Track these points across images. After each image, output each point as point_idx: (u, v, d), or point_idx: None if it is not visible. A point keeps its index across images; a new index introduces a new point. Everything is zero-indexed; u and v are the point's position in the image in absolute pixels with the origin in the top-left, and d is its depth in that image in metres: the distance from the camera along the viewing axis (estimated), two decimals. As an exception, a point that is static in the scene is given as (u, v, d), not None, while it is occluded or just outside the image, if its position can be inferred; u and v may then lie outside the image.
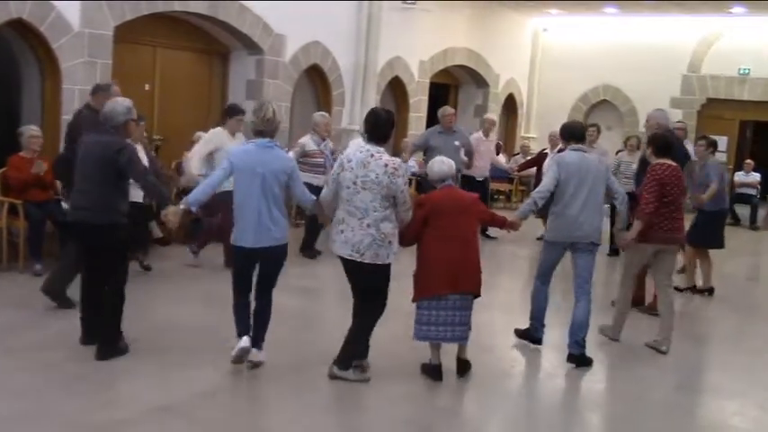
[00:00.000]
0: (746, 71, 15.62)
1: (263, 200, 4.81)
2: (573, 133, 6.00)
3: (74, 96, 8.29)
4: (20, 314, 5.87)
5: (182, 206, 4.99)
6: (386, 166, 4.77)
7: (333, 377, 4.95)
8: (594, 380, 5.63)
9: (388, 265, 4.90)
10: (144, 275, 7.35)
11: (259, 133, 4.91)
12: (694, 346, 6.62)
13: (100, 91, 6.10)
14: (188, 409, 4.40)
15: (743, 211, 15.03)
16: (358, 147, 5.01)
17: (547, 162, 10.63)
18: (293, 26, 10.87)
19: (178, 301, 6.66)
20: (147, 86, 9.87)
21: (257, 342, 5.03)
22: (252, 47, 10.61)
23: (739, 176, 15.46)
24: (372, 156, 4.80)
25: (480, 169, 10.81)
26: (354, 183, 4.79)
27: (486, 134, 11.32)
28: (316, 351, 5.42)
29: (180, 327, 5.85)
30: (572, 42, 17.35)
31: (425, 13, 13.15)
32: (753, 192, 15.23)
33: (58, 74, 8.22)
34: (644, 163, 6.91)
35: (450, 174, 5.25)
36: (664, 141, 6.42)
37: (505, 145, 16.54)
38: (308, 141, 8.87)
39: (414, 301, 5.10)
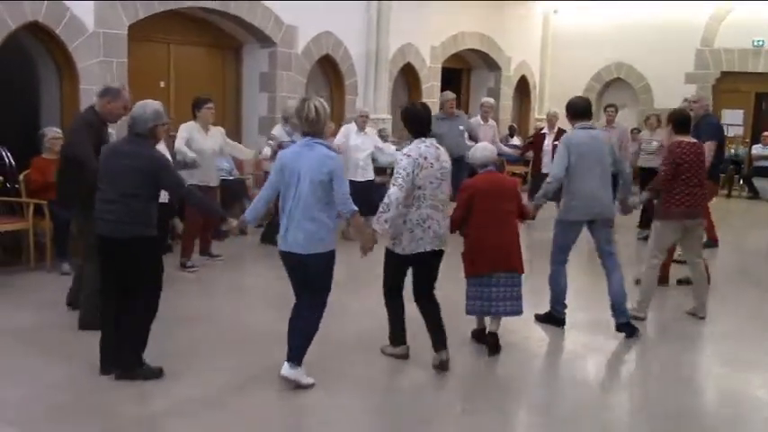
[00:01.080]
0: (761, 43, 15.51)
1: (299, 202, 4.53)
2: (578, 110, 6.03)
3: (91, 96, 8.33)
4: (51, 312, 5.99)
5: (240, 221, 4.95)
6: (445, 153, 5.02)
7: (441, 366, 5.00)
8: (623, 358, 5.69)
9: None
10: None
11: (303, 132, 4.68)
12: (716, 320, 6.64)
13: (108, 95, 5.50)
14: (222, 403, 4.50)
15: (762, 184, 14.96)
16: (417, 143, 4.91)
17: (547, 142, 10.66)
18: (304, 17, 10.90)
19: (203, 294, 6.77)
20: (162, 83, 9.95)
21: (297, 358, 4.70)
22: (264, 40, 10.67)
23: (757, 149, 15.37)
24: (438, 148, 4.98)
25: None
26: (437, 177, 4.89)
27: (485, 119, 11.13)
28: (349, 340, 5.50)
29: (208, 319, 5.94)
30: (583, 22, 17.26)
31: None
32: (771, 164, 15.13)
33: (75, 75, 8.31)
34: None
35: (493, 159, 5.52)
36: (682, 118, 6.46)
37: (519, 127, 16.52)
38: (281, 133, 8.52)
39: (465, 276, 5.38)
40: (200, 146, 7.56)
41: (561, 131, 10.50)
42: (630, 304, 6.12)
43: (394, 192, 4.76)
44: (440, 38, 14.10)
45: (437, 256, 5.01)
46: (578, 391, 4.99)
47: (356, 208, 4.63)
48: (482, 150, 5.50)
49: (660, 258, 6.45)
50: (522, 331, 5.89)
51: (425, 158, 4.83)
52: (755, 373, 5.39)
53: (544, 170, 10.24)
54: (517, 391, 4.98)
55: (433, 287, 5.13)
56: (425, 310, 5.09)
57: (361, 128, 9.24)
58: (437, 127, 9.73)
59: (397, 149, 10.81)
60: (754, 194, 15.00)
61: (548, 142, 10.70)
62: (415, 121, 4.98)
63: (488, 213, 5.24)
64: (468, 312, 5.47)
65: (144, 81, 9.08)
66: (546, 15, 17.38)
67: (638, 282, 6.77)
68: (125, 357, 4.69)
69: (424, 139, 4.93)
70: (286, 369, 4.61)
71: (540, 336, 5.96)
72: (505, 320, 5.48)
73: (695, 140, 6.41)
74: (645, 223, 10.55)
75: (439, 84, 14.21)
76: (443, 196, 4.94)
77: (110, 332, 4.74)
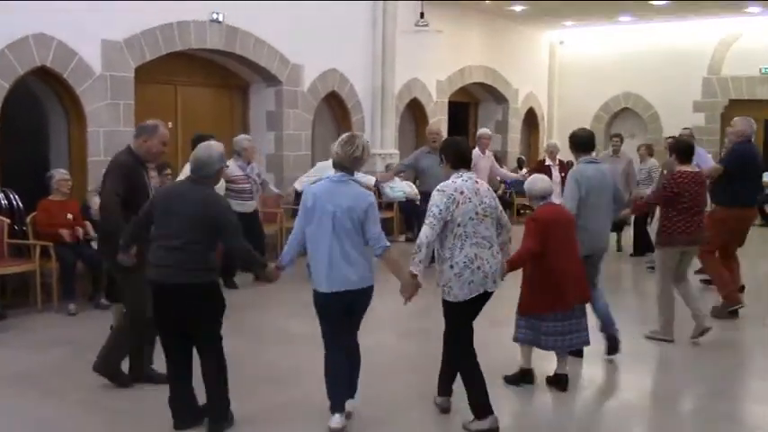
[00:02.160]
0: (768, 70, 15.50)
1: (336, 240, 4.36)
2: (584, 143, 6.03)
3: (99, 138, 8.50)
4: (58, 353, 6.00)
5: (275, 266, 4.68)
6: (489, 189, 4.74)
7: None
8: (628, 387, 5.60)
9: None
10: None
11: (340, 167, 4.48)
12: (728, 350, 6.53)
13: (145, 133, 5.15)
14: None
15: (774, 211, 14.82)
16: (454, 177, 4.63)
17: (555, 174, 10.58)
18: (309, 55, 11.03)
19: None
20: (170, 124, 10.01)
21: (350, 391, 4.66)
22: (270, 78, 10.78)
23: (767, 177, 15.23)
24: (477, 182, 4.67)
25: None
26: (477, 213, 4.55)
27: (483, 151, 10.65)
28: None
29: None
30: (589, 53, 17.36)
31: (439, 33, 13.24)
32: (783, 191, 14.99)
33: (83, 117, 8.43)
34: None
35: (551, 190, 5.33)
36: (685, 147, 6.61)
37: (528, 159, 16.53)
38: (231, 166, 8.10)
39: (540, 312, 5.19)
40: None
41: (562, 163, 10.51)
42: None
43: (424, 231, 4.48)
44: (446, 72, 14.20)
45: (489, 297, 4.68)
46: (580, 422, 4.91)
47: (389, 244, 4.53)
48: (541, 182, 5.29)
49: (670, 286, 6.51)
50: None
51: (461, 193, 4.52)
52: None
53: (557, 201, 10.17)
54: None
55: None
56: (468, 365, 4.73)
57: None
58: (421, 161, 9.69)
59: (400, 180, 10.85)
60: (766, 222, 14.85)
61: (555, 174, 10.62)
62: (450, 152, 4.71)
63: (564, 245, 5.16)
64: (546, 348, 5.29)
65: (151, 122, 9.18)
66: (552, 46, 17.50)
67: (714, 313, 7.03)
68: (214, 411, 4.50)
69: (461, 173, 4.65)
70: (351, 404, 4.63)
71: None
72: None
73: (697, 170, 6.57)
74: (639, 251, 10.62)
75: (446, 118, 14.29)
76: (489, 233, 4.61)
77: (180, 387, 4.52)
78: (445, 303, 4.64)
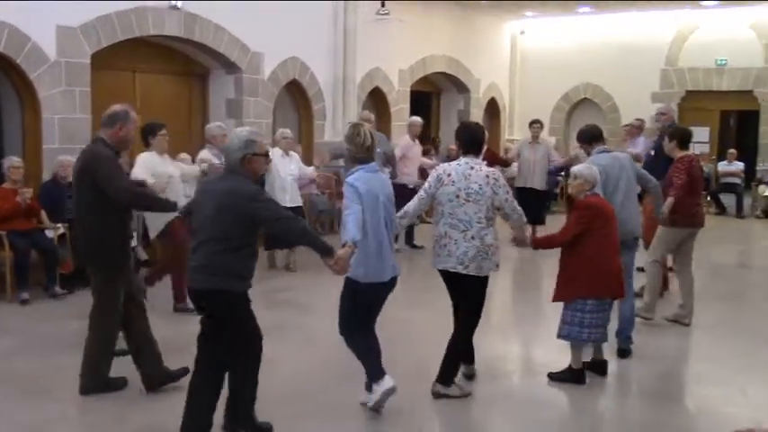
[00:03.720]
0: (724, 62, 15.77)
1: (386, 229, 4.49)
2: (595, 135, 6.24)
3: (54, 126, 8.37)
4: (11, 341, 5.91)
5: (348, 246, 4.18)
6: (487, 177, 4.85)
7: (438, 396, 4.94)
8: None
9: (488, 277, 4.96)
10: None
11: (359, 161, 4.53)
12: (681, 334, 6.68)
13: (119, 120, 4.74)
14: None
15: (728, 200, 15.17)
16: (456, 161, 4.94)
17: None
18: (270, 43, 10.96)
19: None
20: (128, 112, 9.91)
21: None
22: (230, 66, 10.70)
23: (723, 166, 15.59)
24: (472, 168, 4.86)
25: (411, 176, 10.16)
26: (457, 196, 4.81)
27: (413, 138, 10.50)
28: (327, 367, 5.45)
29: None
30: (550, 43, 17.51)
31: (401, 22, 13.25)
32: (737, 180, 15.34)
33: (37, 104, 8.29)
34: (658, 154, 7.45)
35: (598, 180, 5.32)
36: (686, 135, 6.88)
37: (490, 148, 16.62)
38: (209, 156, 7.80)
39: (566, 300, 5.26)
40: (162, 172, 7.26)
41: (490, 151, 10.60)
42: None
43: (411, 203, 4.98)
44: (408, 61, 14.21)
45: (462, 280, 4.87)
46: (526, 413, 5.00)
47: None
48: (589, 170, 5.32)
49: (659, 266, 6.85)
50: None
51: (449, 175, 4.86)
52: (717, 387, 5.42)
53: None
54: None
55: (468, 317, 5.01)
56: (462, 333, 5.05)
57: (286, 151, 8.81)
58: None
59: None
60: (722, 210, 15.19)
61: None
62: (462, 136, 5.05)
63: (609, 238, 5.19)
64: (580, 340, 5.29)
65: (108, 109, 9.06)
66: (513, 37, 17.60)
67: (639, 294, 7.00)
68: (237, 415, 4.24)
69: (472, 157, 4.93)
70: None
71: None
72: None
73: (694, 154, 6.87)
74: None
75: (408, 107, 14.31)
76: (467, 217, 4.79)
77: (206, 410, 4.12)
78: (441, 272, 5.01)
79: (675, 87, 16.29)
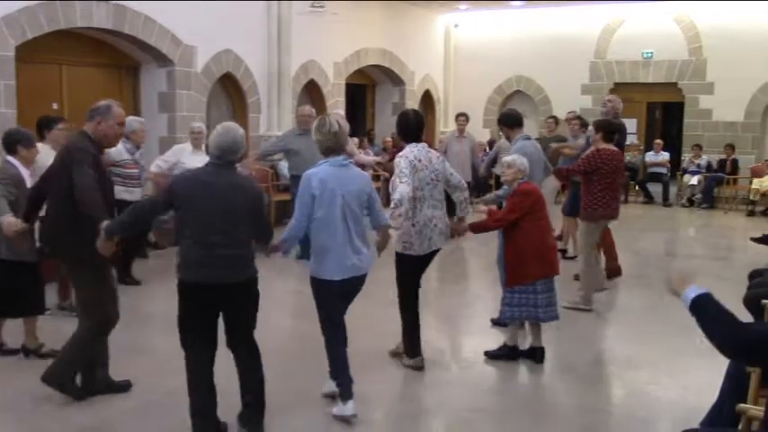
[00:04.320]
0: (650, 55, 16.25)
1: (344, 226, 4.37)
2: (518, 120, 6.61)
3: (-24, 120, 8.07)
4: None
5: (273, 248, 4.42)
6: (438, 156, 5.29)
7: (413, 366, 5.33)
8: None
9: None
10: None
11: (330, 150, 4.47)
12: (610, 320, 6.90)
13: (98, 114, 4.63)
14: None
15: (655, 189, 15.66)
16: (410, 147, 5.18)
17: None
18: (202, 36, 10.79)
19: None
20: (55, 105, 9.64)
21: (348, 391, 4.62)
22: (161, 59, 10.50)
23: (650, 156, 16.09)
24: (429, 152, 5.22)
25: None
26: (432, 178, 5.15)
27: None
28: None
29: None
30: (483, 36, 17.74)
31: (335, 15, 13.23)
32: (663, 170, 15.87)
33: (-41, 98, 7.99)
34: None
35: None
36: (613, 128, 7.14)
37: (426, 140, 16.74)
38: (120, 149, 7.53)
39: (520, 284, 5.47)
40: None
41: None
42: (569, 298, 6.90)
43: (402, 188, 4.90)
44: (342, 54, 14.20)
45: (434, 253, 5.31)
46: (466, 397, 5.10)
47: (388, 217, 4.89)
48: (520, 159, 5.61)
49: (593, 257, 7.14)
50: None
51: (420, 161, 5.08)
52: (644, 370, 5.62)
53: None
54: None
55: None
56: (412, 314, 5.34)
57: (196, 146, 8.49)
58: (293, 143, 9.05)
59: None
60: (649, 199, 15.69)
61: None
62: (401, 126, 5.28)
63: (544, 219, 5.58)
64: (509, 319, 5.62)
65: (35, 103, 8.80)
66: (447, 29, 17.76)
67: (576, 277, 7.29)
68: (254, 418, 4.22)
69: (416, 144, 5.18)
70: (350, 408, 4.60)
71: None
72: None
73: (617, 149, 7.04)
74: None
75: (343, 100, 14.32)
76: (441, 196, 5.23)
77: (209, 393, 4.12)
78: (404, 258, 5.19)
79: (604, 79, 16.70)
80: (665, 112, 18.50)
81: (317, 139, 4.52)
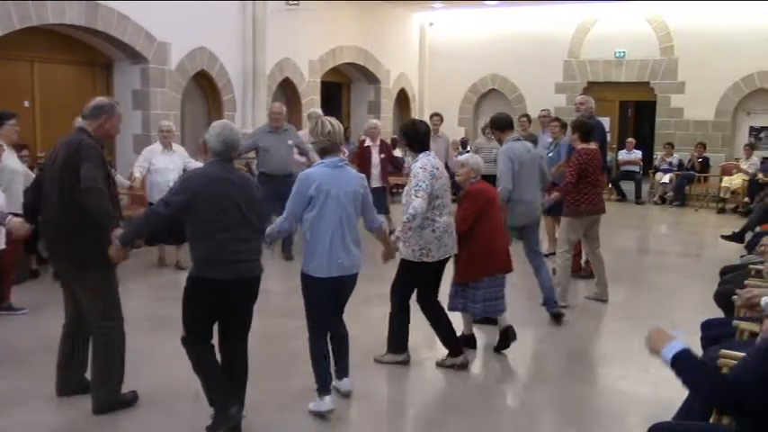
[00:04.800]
0: (622, 54, 16.42)
1: (338, 225, 4.41)
2: (509, 124, 6.79)
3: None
4: None
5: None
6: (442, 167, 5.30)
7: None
8: (490, 355, 5.87)
9: None
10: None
11: (325, 151, 4.49)
12: (583, 316, 6.97)
13: (104, 112, 4.49)
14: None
15: (627, 186, 15.83)
16: (423, 156, 5.17)
17: (375, 156, 10.38)
18: (177, 33, 10.74)
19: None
20: (26, 103, 9.55)
21: (344, 372, 4.85)
22: (135, 56, 10.43)
23: (622, 155, 16.25)
24: (436, 158, 5.26)
25: None
26: (447, 186, 5.25)
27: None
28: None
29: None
30: (458, 35, 17.81)
31: (310, 13, 13.21)
32: (636, 168, 16.05)
33: (-72, 96, 7.88)
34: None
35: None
36: (588, 128, 7.22)
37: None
38: None
39: (475, 280, 5.59)
40: (12, 167, 6.74)
41: (385, 144, 10.64)
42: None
43: (419, 203, 4.94)
44: (318, 52, 14.19)
45: (448, 260, 5.39)
46: (442, 394, 5.13)
47: (383, 219, 5.03)
48: (473, 158, 5.78)
49: (571, 251, 7.27)
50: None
51: (437, 169, 5.14)
52: (617, 365, 5.69)
53: (374, 184, 9.87)
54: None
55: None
56: (438, 313, 5.40)
57: (166, 146, 8.34)
58: (262, 141, 8.84)
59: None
60: (622, 197, 15.85)
61: (375, 155, 10.37)
62: (410, 135, 5.24)
63: (496, 219, 5.69)
64: (478, 314, 5.77)
65: (6, 100, 8.70)
66: (422, 28, 17.80)
67: (554, 271, 7.32)
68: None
69: (428, 152, 5.21)
70: (347, 385, 4.83)
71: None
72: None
73: (595, 147, 7.17)
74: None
75: (318, 98, 14.30)
76: (449, 203, 5.30)
77: (222, 381, 4.23)
78: (418, 266, 5.18)
79: (578, 78, 16.85)
80: (638, 111, 18.70)
81: (312, 142, 4.60)
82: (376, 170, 10.40)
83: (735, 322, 4.30)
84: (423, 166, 5.07)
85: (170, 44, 10.74)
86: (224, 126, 4.17)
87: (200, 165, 8.58)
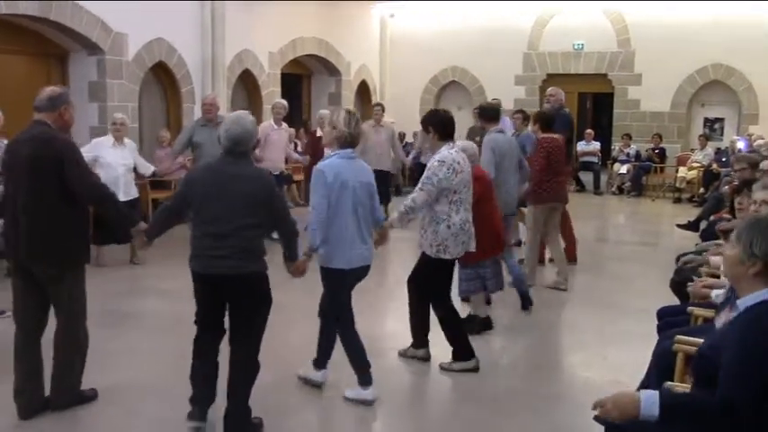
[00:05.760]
0: (580, 46, 16.59)
1: (355, 216, 4.45)
2: (495, 114, 7.10)
3: None
4: None
5: (305, 256, 4.44)
6: (464, 158, 5.21)
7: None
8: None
9: None
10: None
11: (347, 144, 4.50)
12: (545, 306, 7.05)
13: (63, 102, 4.33)
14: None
15: (586, 177, 16.05)
16: (446, 149, 5.05)
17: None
18: (134, 24, 10.56)
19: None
20: (-23, 95, 9.31)
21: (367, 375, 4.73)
22: (91, 47, 10.24)
23: (581, 146, 16.46)
24: (458, 153, 5.17)
25: (274, 162, 9.60)
26: (468, 181, 5.16)
27: (277, 123, 10.05)
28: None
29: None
30: (419, 26, 17.81)
31: (270, 3, 13.10)
32: (594, 159, 16.27)
33: None
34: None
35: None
36: (547, 118, 7.49)
37: (362, 131, 16.77)
38: None
39: (486, 258, 5.85)
40: None
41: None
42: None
43: (421, 196, 4.92)
44: (278, 44, 14.08)
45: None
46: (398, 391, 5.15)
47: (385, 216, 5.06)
48: (470, 144, 5.95)
49: (538, 234, 7.51)
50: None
51: (459, 163, 5.02)
52: (578, 353, 5.78)
53: None
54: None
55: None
56: (450, 313, 5.30)
57: (118, 139, 7.98)
58: (196, 135, 8.61)
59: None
60: (581, 188, 16.06)
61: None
62: (438, 124, 5.11)
63: (493, 202, 5.95)
64: (493, 289, 6.19)
65: (-44, 93, 8.48)
66: (383, 19, 17.77)
67: (521, 261, 7.65)
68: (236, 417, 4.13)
69: (451, 144, 5.11)
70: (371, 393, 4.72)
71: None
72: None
73: (557, 136, 7.42)
74: None
75: (279, 90, 14.20)
76: (471, 199, 5.23)
77: (210, 388, 4.20)
78: (436, 262, 5.08)
79: (537, 70, 16.99)
80: (596, 103, 18.94)
81: (342, 130, 4.50)
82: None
83: (689, 309, 4.40)
84: (442, 159, 4.97)
85: (127, 35, 10.56)
86: (234, 120, 4.07)
87: (143, 162, 8.52)
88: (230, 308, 4.13)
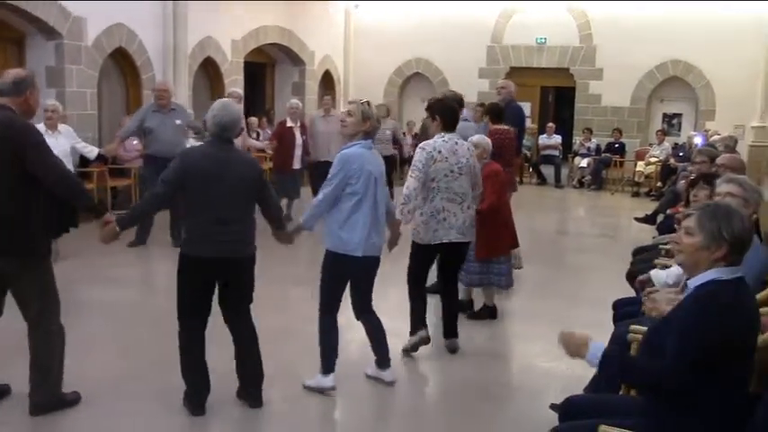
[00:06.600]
0: (543, 40, 16.73)
1: (374, 204, 4.53)
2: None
3: None
4: None
5: (297, 228, 4.60)
6: (468, 150, 5.29)
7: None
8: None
9: None
10: None
11: (368, 135, 4.57)
12: (502, 295, 7.12)
13: (29, 86, 4.13)
14: None
15: (547, 170, 16.22)
16: (437, 137, 5.17)
17: (298, 136, 10.40)
18: (93, 8, 10.36)
19: None
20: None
21: (387, 362, 4.86)
22: (49, 32, 10.03)
23: (543, 139, 16.63)
24: (456, 143, 5.20)
25: (299, 156, 10.22)
26: (452, 171, 5.13)
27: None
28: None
29: None
30: (383, 17, 17.78)
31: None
32: (555, 153, 16.45)
33: None
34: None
35: None
36: (498, 110, 7.67)
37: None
38: None
39: (492, 255, 6.11)
40: None
41: (304, 125, 10.64)
42: None
43: (411, 183, 4.99)
44: (241, 32, 13.94)
45: (459, 246, 5.33)
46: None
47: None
48: (483, 139, 6.07)
49: None
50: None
51: (440, 152, 5.07)
52: (536, 343, 5.85)
53: (296, 165, 10.27)
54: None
55: (455, 277, 5.63)
56: (448, 300, 5.53)
57: (51, 126, 7.65)
58: (148, 120, 8.52)
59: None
60: (542, 181, 16.24)
61: (298, 136, 10.37)
62: (445, 113, 5.21)
63: (505, 197, 6.16)
64: (505, 287, 6.45)
65: None
66: (347, 10, 17.70)
67: None
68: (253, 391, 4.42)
69: (444, 134, 5.16)
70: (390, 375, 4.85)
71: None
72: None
73: (507, 127, 7.53)
74: None
75: (242, 78, 14.08)
76: (462, 190, 5.19)
77: (205, 371, 4.30)
78: (413, 244, 5.29)
79: (501, 64, 17.09)
80: (558, 97, 19.13)
81: (375, 126, 4.57)
82: (298, 151, 10.38)
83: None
84: (423, 146, 5.13)
85: (86, 19, 10.37)
86: (221, 107, 4.18)
87: (85, 145, 8.39)
88: (227, 288, 4.27)
